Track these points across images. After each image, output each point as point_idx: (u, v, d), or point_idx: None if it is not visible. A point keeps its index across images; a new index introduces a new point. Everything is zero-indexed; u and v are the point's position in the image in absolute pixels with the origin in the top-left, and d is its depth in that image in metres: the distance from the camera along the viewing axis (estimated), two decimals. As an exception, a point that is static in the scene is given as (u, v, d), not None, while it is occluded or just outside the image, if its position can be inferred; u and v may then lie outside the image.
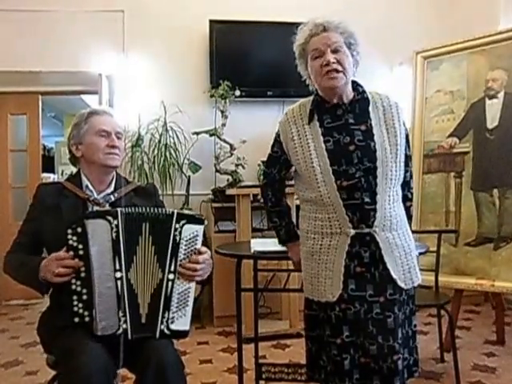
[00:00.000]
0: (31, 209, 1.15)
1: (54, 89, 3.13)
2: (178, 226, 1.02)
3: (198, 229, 1.05)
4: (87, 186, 1.15)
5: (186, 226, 1.03)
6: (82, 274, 0.99)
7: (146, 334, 1.01)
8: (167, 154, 2.70)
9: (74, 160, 1.20)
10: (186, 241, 1.03)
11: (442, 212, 2.22)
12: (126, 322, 0.99)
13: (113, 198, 1.15)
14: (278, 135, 1.20)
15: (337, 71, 1.08)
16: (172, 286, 1.01)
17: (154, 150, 2.72)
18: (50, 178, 4.87)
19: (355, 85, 1.15)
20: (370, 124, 1.11)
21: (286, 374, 1.66)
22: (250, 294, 1.82)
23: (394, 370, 1.05)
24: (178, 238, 1.02)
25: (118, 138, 1.17)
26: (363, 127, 1.10)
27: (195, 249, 1.04)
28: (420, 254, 1.21)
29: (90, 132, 1.14)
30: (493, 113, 2.10)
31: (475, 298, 2.76)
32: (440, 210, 2.22)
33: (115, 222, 0.99)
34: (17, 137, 3.25)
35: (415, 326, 1.16)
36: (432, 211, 2.25)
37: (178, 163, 2.72)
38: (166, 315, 1.01)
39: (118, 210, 1.01)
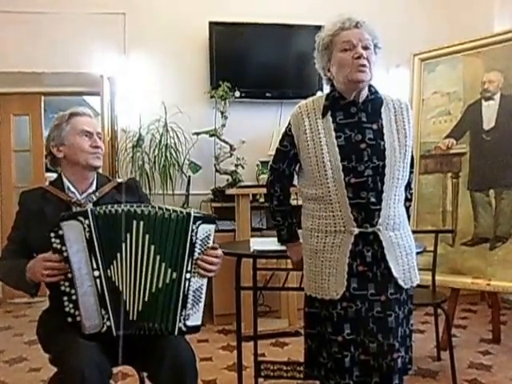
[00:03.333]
0: (17, 217, 1.16)
1: (57, 90, 3.16)
2: (194, 226, 1.02)
3: (211, 228, 1.07)
4: (69, 188, 1.15)
5: (201, 227, 1.04)
6: (69, 275, 1.00)
7: (138, 331, 1.01)
8: (168, 154, 2.72)
9: (54, 162, 1.20)
10: (201, 240, 1.05)
11: (439, 212, 2.23)
12: (109, 319, 0.99)
13: (95, 198, 1.15)
14: (288, 129, 1.19)
15: (365, 67, 1.08)
16: (189, 285, 1.03)
17: (154, 150, 2.74)
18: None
19: (368, 85, 1.16)
20: (381, 124, 1.12)
21: (284, 372, 1.68)
22: (250, 292, 1.84)
23: (392, 367, 1.07)
24: (194, 239, 1.03)
25: (99, 138, 1.18)
26: (375, 126, 1.11)
27: (208, 247, 1.06)
28: (417, 253, 1.22)
29: (72, 133, 1.14)
30: (489, 114, 2.11)
31: (471, 297, 2.78)
32: (437, 210, 2.24)
33: (87, 222, 0.99)
34: (20, 137, 3.26)
35: (412, 325, 1.18)
36: (429, 211, 2.27)
37: (178, 163, 2.74)
38: (183, 313, 1.02)
39: (88, 209, 1.01)
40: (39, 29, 2.79)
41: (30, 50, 2.78)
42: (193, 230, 1.03)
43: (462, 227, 2.16)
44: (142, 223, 1.01)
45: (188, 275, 1.03)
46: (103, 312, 1.00)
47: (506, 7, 2.66)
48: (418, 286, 1.18)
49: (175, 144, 2.75)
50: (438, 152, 2.26)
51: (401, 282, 1.10)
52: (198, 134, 2.72)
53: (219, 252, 1.09)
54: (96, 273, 0.99)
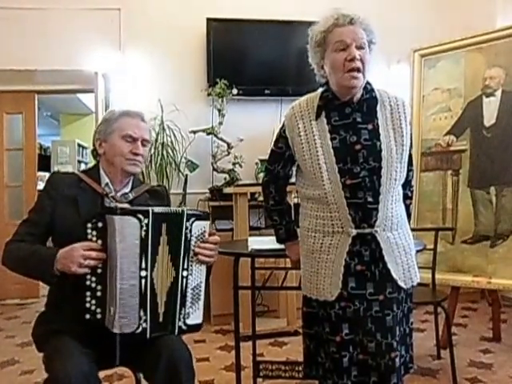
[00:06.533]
0: (43, 197, 1.10)
1: (50, 87, 3.11)
2: (188, 224, 1.03)
3: (205, 224, 1.07)
4: (107, 184, 1.14)
5: (196, 223, 1.04)
6: (99, 271, 0.98)
7: (163, 333, 1.01)
8: (164, 152, 2.69)
9: (95, 154, 1.18)
10: (196, 237, 1.05)
11: (439, 210, 2.22)
12: (146, 321, 0.98)
13: (131, 197, 1.14)
14: (283, 130, 1.17)
15: (358, 70, 1.04)
16: (186, 283, 1.03)
17: (150, 148, 2.69)
18: (46, 177, 4.84)
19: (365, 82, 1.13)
20: (377, 123, 1.09)
21: (283, 372, 1.66)
22: (248, 292, 1.82)
23: (391, 366, 1.05)
24: (189, 236, 1.03)
25: (144, 145, 1.15)
26: (370, 126, 1.08)
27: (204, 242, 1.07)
28: (417, 251, 1.20)
29: (116, 133, 1.12)
30: (490, 111, 2.10)
31: (472, 295, 2.78)
32: (437, 207, 2.23)
33: (145, 221, 0.98)
34: (13, 136, 3.22)
35: (412, 323, 1.17)
36: (429, 209, 2.26)
37: (175, 162, 2.71)
38: (183, 311, 1.02)
39: (150, 209, 1.00)
40: (32, 25, 2.74)
41: (22, 47, 2.73)
42: (187, 228, 1.03)
43: (462, 225, 2.15)
44: (166, 225, 1.01)
45: (185, 273, 1.03)
46: (142, 313, 0.98)
47: (509, 3, 2.65)
48: (418, 284, 1.16)
49: (172, 142, 2.72)
50: (439, 149, 2.25)
51: (401, 283, 1.09)
52: (194, 132, 2.69)
53: (217, 238, 1.10)
54: (143, 273, 0.98)
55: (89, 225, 0.98)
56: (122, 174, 1.14)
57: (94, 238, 0.98)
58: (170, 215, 1.03)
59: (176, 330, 1.01)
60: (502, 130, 2.05)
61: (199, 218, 1.05)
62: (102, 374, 1.14)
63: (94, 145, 1.17)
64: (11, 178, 3.20)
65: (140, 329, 0.98)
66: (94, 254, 0.97)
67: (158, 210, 1.02)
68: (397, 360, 1.06)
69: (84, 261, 0.96)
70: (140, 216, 0.98)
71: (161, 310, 1.00)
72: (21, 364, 2.03)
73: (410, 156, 1.16)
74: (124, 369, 1.21)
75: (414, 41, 2.45)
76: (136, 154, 1.12)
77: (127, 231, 0.97)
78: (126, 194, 1.15)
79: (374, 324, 1.06)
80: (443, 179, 2.22)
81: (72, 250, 0.97)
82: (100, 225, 0.98)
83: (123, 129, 1.12)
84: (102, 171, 1.15)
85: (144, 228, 0.98)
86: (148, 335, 0.98)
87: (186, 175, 2.72)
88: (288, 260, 1.31)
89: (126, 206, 1.10)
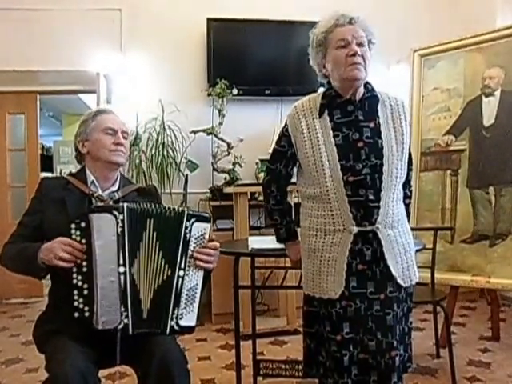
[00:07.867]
0: (34, 201, 1.15)
1: (52, 88, 3.13)
2: (188, 224, 1.03)
3: (206, 226, 1.07)
4: (93, 182, 1.16)
5: (196, 224, 1.05)
6: (84, 269, 0.99)
7: (148, 330, 1.01)
8: (165, 152, 2.70)
9: (79, 157, 1.21)
10: (195, 238, 1.05)
11: (438, 209, 2.22)
12: (127, 317, 0.98)
13: (117, 196, 1.15)
14: (285, 129, 1.18)
15: (360, 64, 1.08)
16: (182, 283, 1.03)
17: (151, 148, 2.72)
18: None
19: (365, 82, 1.15)
20: (378, 122, 1.11)
21: (283, 371, 1.68)
22: (248, 291, 1.84)
23: (391, 365, 1.06)
24: (188, 236, 1.03)
25: (124, 137, 1.18)
26: (372, 124, 1.10)
27: (203, 245, 1.07)
28: (416, 251, 1.21)
29: (96, 129, 1.16)
30: (489, 111, 2.10)
31: (471, 294, 2.78)
32: (436, 207, 2.23)
33: (121, 217, 0.99)
34: (15, 136, 3.25)
35: (411, 323, 1.18)
36: (428, 209, 2.26)
37: (175, 162, 2.73)
38: (176, 311, 1.02)
39: (124, 205, 1.01)
40: (34, 26, 2.76)
41: (24, 47, 2.75)
42: (186, 227, 1.03)
43: (461, 224, 2.15)
44: (153, 221, 1.02)
45: (181, 272, 1.03)
46: (122, 309, 0.98)
47: (508, 3, 2.64)
48: (417, 283, 1.17)
49: (172, 142, 2.73)
50: (438, 149, 2.25)
51: (400, 281, 1.10)
52: (195, 132, 2.71)
53: (216, 244, 1.10)
54: (121, 269, 0.99)
55: (72, 225, 1.00)
56: (107, 168, 1.16)
57: (78, 238, 1.00)
58: (157, 211, 1.02)
59: (168, 330, 1.01)
60: (501, 129, 2.05)
61: (200, 219, 1.05)
62: (104, 372, 1.16)
63: (76, 149, 1.19)
64: (14, 179, 3.22)
65: (122, 324, 0.98)
66: (70, 248, 0.98)
67: (134, 205, 1.02)
68: (397, 359, 1.07)
69: (62, 253, 0.98)
70: (115, 212, 0.99)
71: (145, 306, 1.00)
72: (25, 362, 2.05)
73: (410, 156, 1.18)
74: (126, 367, 1.23)
75: (414, 41, 2.45)
76: (118, 145, 1.15)
77: (104, 228, 0.98)
78: (113, 192, 1.16)
79: (374, 323, 1.07)
80: (442, 179, 2.22)
81: (54, 243, 1.01)
82: (83, 224, 0.99)
83: (102, 123, 1.16)
84: (87, 171, 1.17)
85: (120, 224, 0.98)
86: (130, 331, 0.99)
87: (187, 175, 2.74)
88: (288, 259, 1.32)
89: (111, 203, 1.11)
